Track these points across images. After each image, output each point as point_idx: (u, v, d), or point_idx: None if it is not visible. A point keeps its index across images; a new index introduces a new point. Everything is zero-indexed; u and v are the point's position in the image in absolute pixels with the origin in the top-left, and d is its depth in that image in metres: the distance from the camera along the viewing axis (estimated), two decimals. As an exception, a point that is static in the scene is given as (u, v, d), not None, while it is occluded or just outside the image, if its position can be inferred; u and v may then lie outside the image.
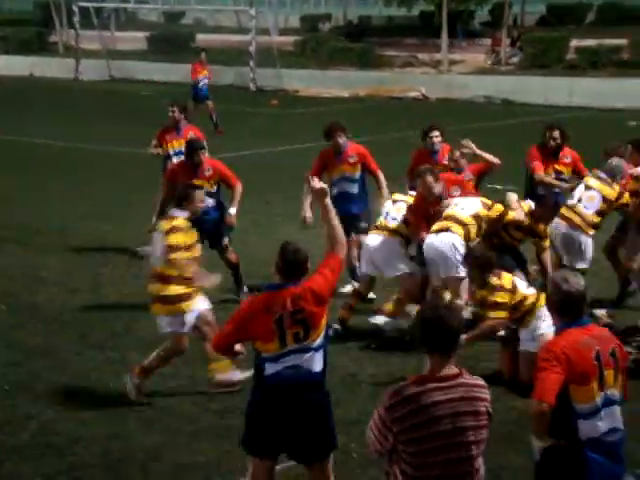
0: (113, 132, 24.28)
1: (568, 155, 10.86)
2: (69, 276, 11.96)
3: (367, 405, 7.45)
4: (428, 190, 9.53)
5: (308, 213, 10.85)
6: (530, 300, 8.31)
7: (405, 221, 9.70)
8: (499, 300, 8.24)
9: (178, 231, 8.17)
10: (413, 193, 10.00)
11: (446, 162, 10.65)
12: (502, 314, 8.24)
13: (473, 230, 9.22)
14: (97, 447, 7.44)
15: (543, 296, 8.03)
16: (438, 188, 9.55)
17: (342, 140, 10.90)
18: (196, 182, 10.23)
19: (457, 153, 10.28)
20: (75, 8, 39.35)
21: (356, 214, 10.81)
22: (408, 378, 4.74)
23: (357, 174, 10.92)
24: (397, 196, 10.09)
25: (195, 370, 8.93)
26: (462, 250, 9.02)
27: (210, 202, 10.48)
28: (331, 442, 5.90)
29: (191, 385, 8.62)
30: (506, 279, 8.39)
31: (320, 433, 5.80)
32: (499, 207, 9.43)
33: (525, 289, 8.44)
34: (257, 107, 27.58)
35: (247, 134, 24.01)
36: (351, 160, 10.90)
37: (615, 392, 5.03)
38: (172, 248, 8.11)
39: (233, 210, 10.72)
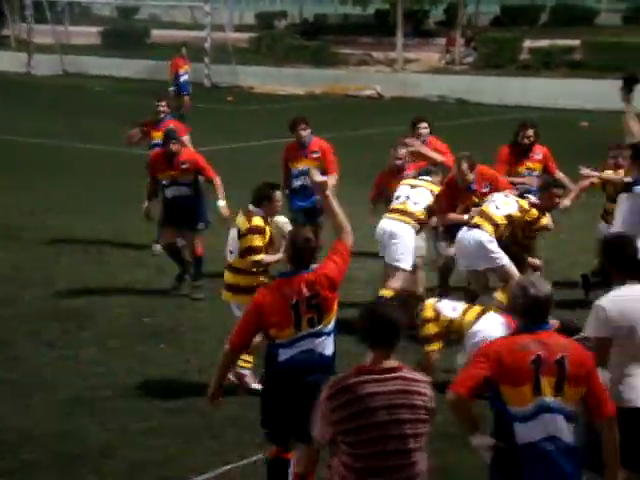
0: (68, 126, 24.08)
1: (539, 152, 10.92)
2: (20, 271, 11.84)
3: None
4: (461, 176, 9.71)
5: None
6: (456, 323, 8.10)
7: (429, 208, 9.79)
8: (427, 332, 8.16)
9: (257, 233, 8.23)
10: (427, 178, 10.02)
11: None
12: (435, 346, 8.10)
13: (504, 230, 9.26)
14: (50, 445, 7.38)
15: (470, 313, 8.06)
16: (470, 177, 9.71)
17: (305, 133, 11.22)
18: (171, 173, 10.97)
19: (402, 151, 10.34)
20: (28, 1, 38.90)
21: (316, 207, 10.97)
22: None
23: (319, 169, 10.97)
24: (413, 181, 10.00)
25: (148, 369, 8.90)
26: (491, 247, 9.06)
27: (185, 190, 11.01)
28: None
29: (144, 383, 8.58)
30: (427, 308, 8.25)
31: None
32: (534, 212, 9.37)
33: (449, 312, 8.19)
34: (212, 103, 27.48)
35: (202, 130, 23.86)
36: (314, 155, 11.15)
37: (557, 401, 4.92)
38: (251, 250, 8.22)
39: (222, 202, 10.91)
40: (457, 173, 9.80)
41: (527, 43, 35.47)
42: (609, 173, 10.15)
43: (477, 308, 8.18)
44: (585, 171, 10.15)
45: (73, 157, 20.08)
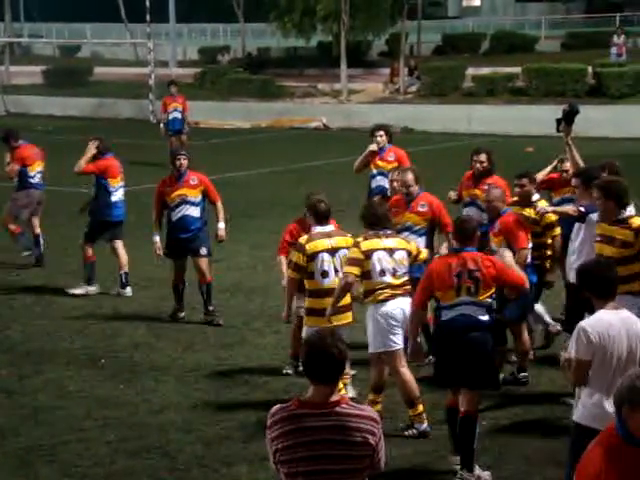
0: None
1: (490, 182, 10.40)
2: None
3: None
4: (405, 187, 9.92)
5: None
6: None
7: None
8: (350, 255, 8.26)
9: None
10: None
11: (391, 159, 12.20)
12: (353, 270, 8.12)
13: None
14: (10, 495, 7.21)
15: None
16: (414, 189, 9.93)
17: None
18: (181, 190, 11.17)
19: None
20: (-32, 43, 38.62)
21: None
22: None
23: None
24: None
25: (109, 411, 8.76)
26: None
27: (196, 212, 11.24)
28: (491, 377, 7.53)
29: (105, 426, 8.43)
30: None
31: (483, 364, 7.34)
32: (551, 217, 9.56)
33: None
34: (156, 140, 27.32)
35: (148, 167, 23.79)
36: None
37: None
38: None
39: (222, 224, 11.43)
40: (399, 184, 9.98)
41: (470, 71, 35.85)
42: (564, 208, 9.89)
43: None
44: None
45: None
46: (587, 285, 6.14)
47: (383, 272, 8.14)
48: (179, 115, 23.19)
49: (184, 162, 11.27)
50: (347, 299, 8.38)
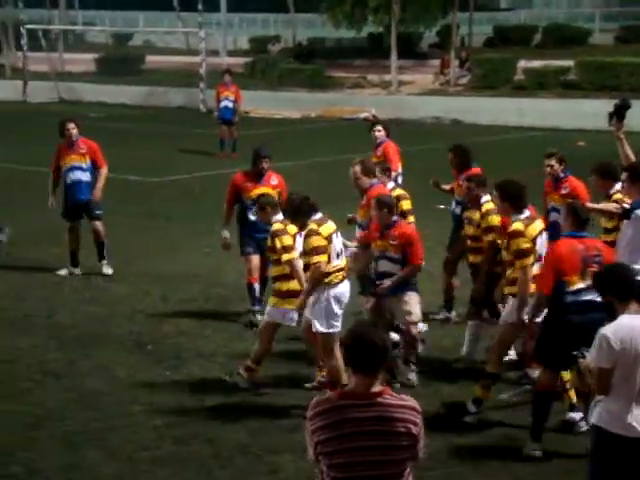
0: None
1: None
2: (23, 301, 11.79)
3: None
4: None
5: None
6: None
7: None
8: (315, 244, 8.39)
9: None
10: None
11: (379, 154, 12.87)
12: (323, 257, 8.38)
13: None
14: (57, 478, 7.33)
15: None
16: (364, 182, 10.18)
17: (74, 132, 12.80)
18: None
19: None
20: (23, 30, 38.98)
21: (88, 200, 12.80)
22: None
23: (87, 164, 12.84)
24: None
25: (155, 397, 8.85)
26: None
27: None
28: None
29: (151, 412, 8.54)
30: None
31: None
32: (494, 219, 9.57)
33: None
34: (207, 128, 27.47)
35: (198, 156, 23.94)
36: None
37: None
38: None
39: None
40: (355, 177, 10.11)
41: (521, 64, 35.59)
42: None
43: None
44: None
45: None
46: (608, 289, 6.04)
47: (337, 255, 8.48)
48: (230, 104, 23.13)
49: (265, 165, 11.05)
50: (297, 285, 8.72)
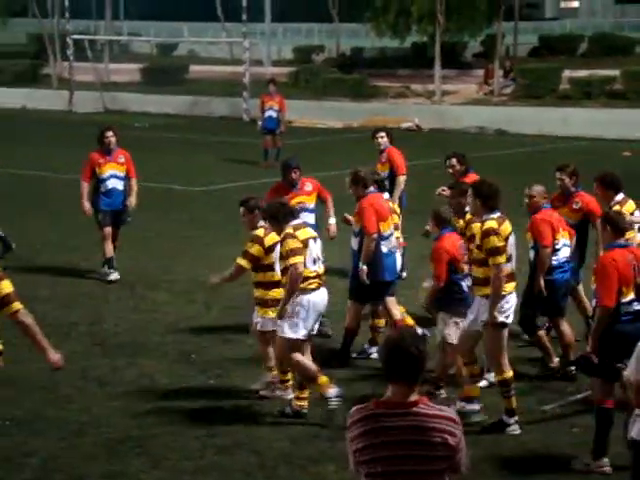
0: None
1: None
2: (68, 309, 11.87)
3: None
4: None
5: None
6: None
7: None
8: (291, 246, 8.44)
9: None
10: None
11: (384, 160, 12.99)
12: (299, 258, 8.41)
13: None
14: (101, 485, 7.34)
15: None
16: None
17: (113, 140, 13.20)
18: (298, 198, 11.19)
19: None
20: (69, 40, 39.38)
21: (124, 208, 13.22)
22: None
23: (124, 173, 13.26)
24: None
25: (198, 405, 8.86)
26: None
27: (312, 219, 11.14)
28: None
29: (194, 420, 8.53)
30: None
31: None
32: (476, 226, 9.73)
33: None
34: (250, 138, 27.56)
35: (241, 165, 24.01)
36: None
37: None
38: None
39: (333, 220, 11.59)
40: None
41: (566, 73, 35.34)
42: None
43: None
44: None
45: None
46: None
47: (314, 261, 8.50)
48: (274, 114, 23.09)
49: (294, 176, 11.18)
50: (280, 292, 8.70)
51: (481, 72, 39.59)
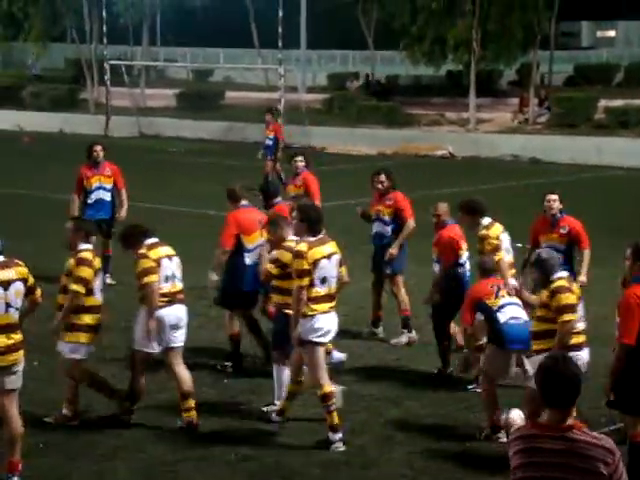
0: (142, 187, 24.42)
1: (392, 198, 11.69)
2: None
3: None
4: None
5: None
6: None
7: None
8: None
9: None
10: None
11: (299, 184, 13.47)
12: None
13: None
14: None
15: None
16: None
17: (101, 154, 14.14)
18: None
19: None
20: (106, 66, 39.87)
21: (110, 218, 13.95)
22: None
23: (110, 185, 14.18)
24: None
25: (231, 429, 8.87)
26: None
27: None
28: None
29: (225, 444, 8.54)
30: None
31: None
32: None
33: None
34: (285, 164, 27.67)
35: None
36: (107, 173, 14.03)
37: None
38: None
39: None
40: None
41: (602, 103, 35.26)
42: None
43: None
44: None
45: (155, 218, 20.29)
46: None
47: (167, 278, 8.79)
48: (270, 142, 23.81)
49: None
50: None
51: (516, 100, 39.62)
